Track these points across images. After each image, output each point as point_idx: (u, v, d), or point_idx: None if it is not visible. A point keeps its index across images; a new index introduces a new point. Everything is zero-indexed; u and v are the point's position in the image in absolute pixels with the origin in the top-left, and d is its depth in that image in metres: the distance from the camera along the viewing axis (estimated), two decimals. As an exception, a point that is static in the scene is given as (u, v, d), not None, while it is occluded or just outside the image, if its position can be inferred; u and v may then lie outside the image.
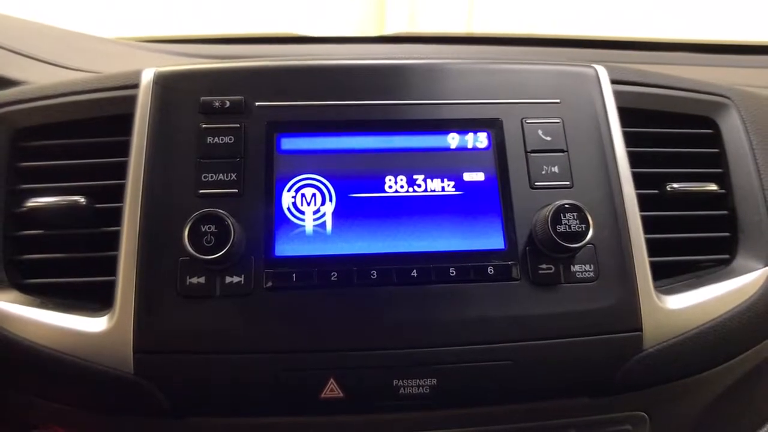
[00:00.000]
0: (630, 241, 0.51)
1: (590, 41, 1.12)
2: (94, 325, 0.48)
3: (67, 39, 0.76)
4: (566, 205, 0.48)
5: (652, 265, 0.51)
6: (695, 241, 0.56)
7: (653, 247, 0.52)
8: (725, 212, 0.57)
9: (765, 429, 0.60)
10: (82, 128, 0.55)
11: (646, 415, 0.54)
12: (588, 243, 0.48)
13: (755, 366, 0.57)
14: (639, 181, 0.54)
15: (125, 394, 0.47)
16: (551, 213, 0.48)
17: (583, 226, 0.48)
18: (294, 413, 0.50)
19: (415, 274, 0.48)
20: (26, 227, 0.53)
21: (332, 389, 0.47)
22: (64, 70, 0.63)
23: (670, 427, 0.56)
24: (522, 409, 0.52)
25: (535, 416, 0.53)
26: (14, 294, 0.50)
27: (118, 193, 0.51)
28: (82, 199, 0.52)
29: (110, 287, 0.48)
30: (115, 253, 0.49)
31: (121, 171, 0.51)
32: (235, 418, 0.50)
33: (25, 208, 0.52)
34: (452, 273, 0.48)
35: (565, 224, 0.48)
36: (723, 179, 0.58)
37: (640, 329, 0.49)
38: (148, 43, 0.88)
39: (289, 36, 1.08)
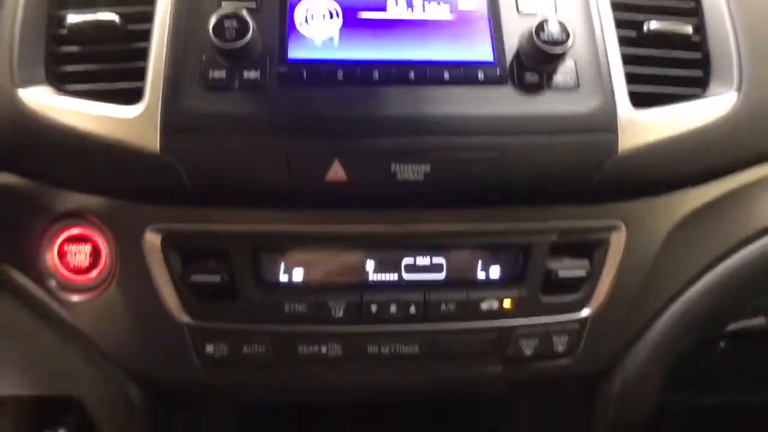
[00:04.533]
0: (607, 55, 0.56)
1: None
2: (126, 112, 0.54)
3: None
4: (549, 19, 0.54)
5: (631, 94, 0.57)
6: (671, 79, 0.61)
7: (632, 83, 0.58)
8: (699, 54, 0.62)
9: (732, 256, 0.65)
10: None
11: (623, 223, 0.60)
12: (568, 55, 0.54)
13: (728, 192, 0.62)
14: (619, 24, 0.60)
15: (151, 173, 0.53)
16: (536, 24, 0.53)
17: (564, 34, 0.53)
18: (302, 203, 0.55)
19: (413, 76, 0.54)
20: (67, 45, 0.59)
21: (337, 171, 0.53)
22: None
23: (643, 238, 0.61)
24: (509, 213, 0.58)
25: (522, 219, 0.59)
26: (54, 95, 0.56)
27: (148, 17, 0.57)
28: (116, 18, 0.58)
29: (140, 93, 0.54)
30: (144, 63, 0.55)
31: None
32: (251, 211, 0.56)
33: (64, 29, 0.58)
34: (446, 77, 0.54)
35: (548, 33, 0.53)
36: (699, 29, 0.63)
37: (615, 131, 0.55)
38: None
39: None
